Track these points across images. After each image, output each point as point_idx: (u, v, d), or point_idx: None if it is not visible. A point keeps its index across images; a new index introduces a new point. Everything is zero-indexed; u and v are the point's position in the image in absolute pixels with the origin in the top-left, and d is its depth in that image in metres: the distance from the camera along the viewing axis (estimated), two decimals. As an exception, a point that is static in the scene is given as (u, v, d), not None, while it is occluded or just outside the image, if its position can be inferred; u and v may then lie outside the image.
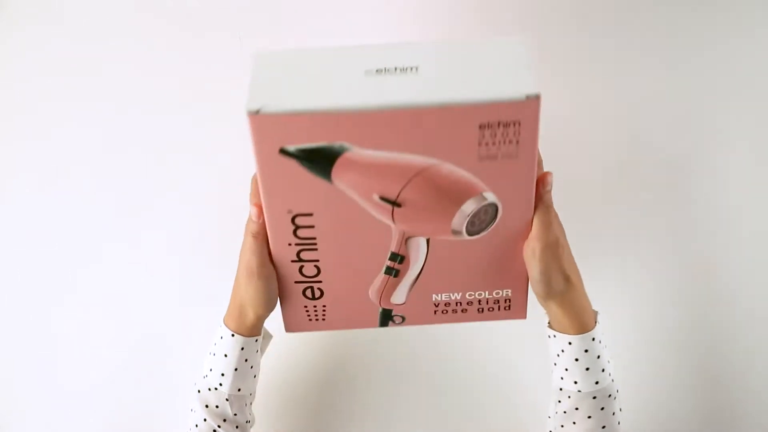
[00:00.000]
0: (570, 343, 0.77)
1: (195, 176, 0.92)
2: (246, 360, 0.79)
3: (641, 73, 0.83)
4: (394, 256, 0.71)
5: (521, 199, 0.68)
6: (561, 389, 0.79)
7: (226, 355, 0.78)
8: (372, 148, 0.63)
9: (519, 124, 0.61)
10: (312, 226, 0.68)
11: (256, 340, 0.79)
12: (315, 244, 0.70)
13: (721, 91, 0.82)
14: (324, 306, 0.75)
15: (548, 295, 0.75)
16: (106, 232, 0.93)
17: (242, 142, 0.86)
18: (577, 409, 0.78)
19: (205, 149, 0.91)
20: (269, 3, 0.89)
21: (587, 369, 0.77)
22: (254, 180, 0.71)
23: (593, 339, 0.77)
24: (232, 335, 0.78)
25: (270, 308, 0.76)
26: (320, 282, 0.73)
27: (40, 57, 0.92)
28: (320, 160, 0.64)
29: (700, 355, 0.86)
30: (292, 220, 0.68)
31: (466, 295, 0.75)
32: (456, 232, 0.70)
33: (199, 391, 0.80)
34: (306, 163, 0.64)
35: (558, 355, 0.78)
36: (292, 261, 0.71)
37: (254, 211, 0.72)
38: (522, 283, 0.74)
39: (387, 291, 0.74)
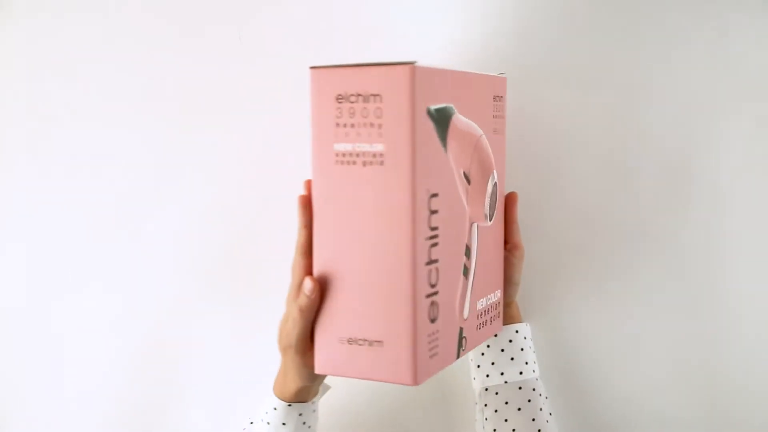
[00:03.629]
0: (495, 335, 0.80)
1: (197, 175, 0.91)
2: (304, 423, 0.76)
3: (641, 72, 0.84)
4: (467, 251, 0.69)
5: (502, 174, 0.76)
6: (487, 389, 0.80)
7: (284, 424, 0.75)
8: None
9: (502, 98, 0.75)
10: (437, 212, 0.64)
11: (313, 401, 0.77)
12: (437, 236, 0.64)
13: (721, 91, 0.83)
14: (437, 331, 0.65)
15: (515, 297, 0.81)
16: (108, 233, 0.93)
17: (242, 141, 0.90)
18: (507, 403, 0.78)
19: (206, 148, 0.91)
20: (269, 1, 0.89)
21: (512, 359, 0.80)
22: (301, 234, 0.64)
23: (516, 331, 0.80)
24: (289, 405, 0.74)
25: (311, 379, 0.70)
26: (437, 293, 0.64)
27: (40, 56, 0.93)
28: (442, 121, 0.63)
29: (698, 359, 0.85)
30: (429, 202, 0.63)
31: (491, 297, 0.75)
32: (486, 216, 0.71)
33: None
34: (438, 126, 0.63)
35: (483, 354, 0.80)
36: (427, 263, 0.63)
37: (309, 286, 0.63)
38: (501, 283, 0.78)
39: (462, 298, 0.69)
